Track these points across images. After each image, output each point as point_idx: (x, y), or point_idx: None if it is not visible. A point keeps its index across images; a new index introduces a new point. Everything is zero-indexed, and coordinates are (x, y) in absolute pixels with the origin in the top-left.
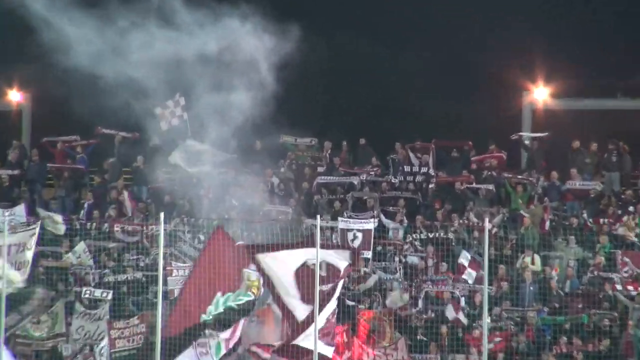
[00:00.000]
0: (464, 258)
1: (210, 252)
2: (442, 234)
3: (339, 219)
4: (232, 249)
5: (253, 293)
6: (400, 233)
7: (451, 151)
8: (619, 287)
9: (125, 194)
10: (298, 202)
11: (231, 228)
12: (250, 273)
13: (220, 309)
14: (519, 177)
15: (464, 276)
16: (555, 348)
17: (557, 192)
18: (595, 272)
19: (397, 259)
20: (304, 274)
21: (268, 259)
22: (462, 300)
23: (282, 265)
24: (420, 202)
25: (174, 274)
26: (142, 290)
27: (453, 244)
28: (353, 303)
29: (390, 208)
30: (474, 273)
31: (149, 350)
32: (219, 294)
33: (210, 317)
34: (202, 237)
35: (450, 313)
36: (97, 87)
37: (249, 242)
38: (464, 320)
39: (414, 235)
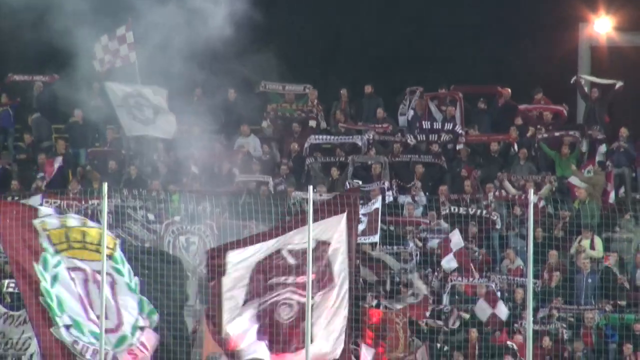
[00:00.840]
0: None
1: None
2: (472, 210)
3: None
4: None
5: None
6: (419, 209)
7: (477, 101)
8: None
9: (42, 155)
10: (284, 169)
11: (193, 203)
12: None
13: None
14: (557, 133)
15: (443, 262)
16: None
17: (626, 155)
18: None
19: (412, 243)
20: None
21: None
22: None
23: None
24: (445, 169)
25: None
26: None
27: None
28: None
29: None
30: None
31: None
32: None
33: None
34: (151, 217)
35: (482, 311)
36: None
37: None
38: (504, 313)
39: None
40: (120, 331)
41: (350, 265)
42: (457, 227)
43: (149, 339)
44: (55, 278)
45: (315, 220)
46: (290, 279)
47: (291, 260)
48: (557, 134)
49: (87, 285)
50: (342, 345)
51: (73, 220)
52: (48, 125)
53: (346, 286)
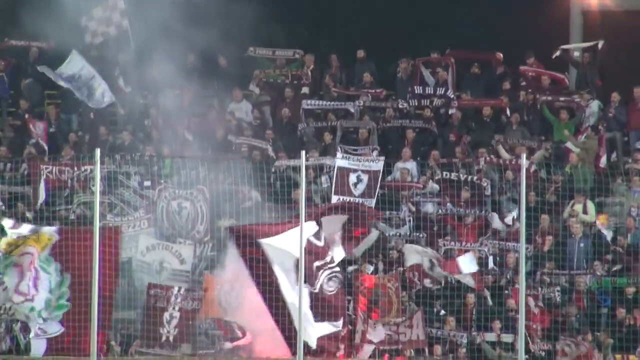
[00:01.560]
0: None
1: None
2: (464, 175)
3: (338, 154)
4: None
5: None
6: (411, 174)
7: (471, 66)
8: None
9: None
10: (276, 134)
11: (186, 168)
12: None
13: None
14: (562, 99)
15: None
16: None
17: (617, 119)
18: None
19: (405, 207)
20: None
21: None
22: (490, 260)
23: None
24: (436, 134)
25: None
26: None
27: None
28: (352, 268)
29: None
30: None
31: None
32: None
33: None
34: (146, 183)
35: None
36: None
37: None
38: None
39: (428, 176)
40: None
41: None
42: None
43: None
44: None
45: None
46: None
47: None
48: (562, 99)
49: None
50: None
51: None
52: (41, 90)
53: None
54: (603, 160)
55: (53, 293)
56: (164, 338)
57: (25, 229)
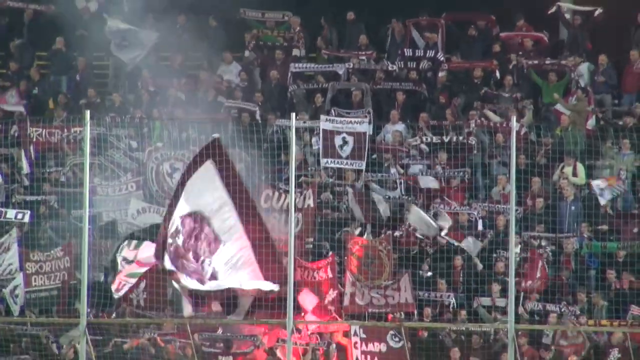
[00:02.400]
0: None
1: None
2: (454, 137)
3: (322, 117)
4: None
5: None
6: (401, 136)
7: (467, 29)
8: None
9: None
10: (267, 96)
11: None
12: None
13: None
14: (548, 62)
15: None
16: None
17: (606, 82)
18: None
19: (393, 170)
20: None
21: None
22: (480, 223)
23: None
24: (426, 96)
25: (99, 192)
26: (62, 213)
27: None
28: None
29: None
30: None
31: (73, 291)
32: None
33: None
34: (134, 144)
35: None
36: None
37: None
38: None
39: (417, 139)
40: None
41: None
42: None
43: None
44: None
45: None
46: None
47: None
48: (547, 62)
49: None
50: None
51: None
52: (31, 52)
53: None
54: (590, 122)
55: None
56: (134, 302)
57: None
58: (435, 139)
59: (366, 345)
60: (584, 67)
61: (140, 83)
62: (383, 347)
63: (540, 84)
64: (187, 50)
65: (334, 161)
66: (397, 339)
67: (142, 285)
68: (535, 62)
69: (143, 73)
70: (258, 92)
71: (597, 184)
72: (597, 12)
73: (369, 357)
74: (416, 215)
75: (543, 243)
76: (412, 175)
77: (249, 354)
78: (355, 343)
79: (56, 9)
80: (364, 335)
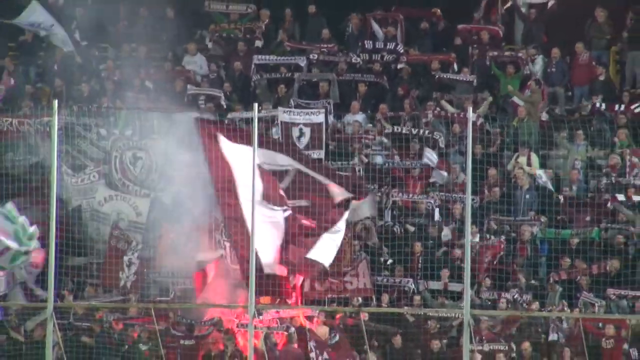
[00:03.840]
0: (430, 157)
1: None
2: (412, 127)
3: (279, 109)
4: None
5: None
6: (362, 127)
7: (420, 23)
8: (620, 197)
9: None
10: (231, 86)
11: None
12: None
13: None
14: (506, 53)
15: (432, 179)
16: (553, 276)
17: (559, 74)
18: (613, 178)
19: (356, 158)
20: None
21: None
22: (437, 213)
23: None
24: (386, 88)
25: (65, 181)
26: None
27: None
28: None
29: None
30: (444, 173)
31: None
32: None
33: None
34: (103, 132)
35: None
36: None
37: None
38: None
39: (377, 128)
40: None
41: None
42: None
43: (36, 257)
44: None
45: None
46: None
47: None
48: (506, 53)
49: None
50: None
51: None
52: (5, 43)
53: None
54: (544, 114)
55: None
56: (121, 283)
57: None
58: (398, 129)
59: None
60: (539, 60)
61: (106, 73)
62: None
63: (498, 76)
64: (151, 41)
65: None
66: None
67: (134, 268)
68: (495, 53)
69: (108, 62)
70: (225, 82)
71: (539, 174)
72: (550, 4)
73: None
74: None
75: (495, 231)
76: (375, 165)
77: (209, 336)
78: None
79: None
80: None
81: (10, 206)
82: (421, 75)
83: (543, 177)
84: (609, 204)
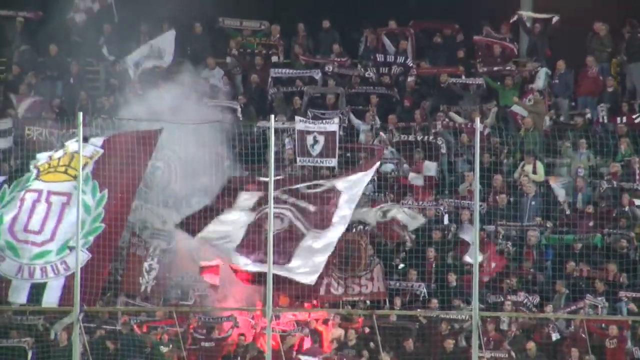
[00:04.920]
0: (430, 167)
1: None
2: (420, 136)
3: (296, 118)
4: None
5: None
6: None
7: (433, 36)
8: (638, 201)
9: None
10: (248, 99)
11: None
12: None
13: None
14: (495, 68)
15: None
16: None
17: (563, 86)
18: (614, 183)
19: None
20: None
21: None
22: (446, 218)
23: None
24: (397, 99)
25: None
26: None
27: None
28: None
29: (360, 107)
30: (432, 165)
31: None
32: None
33: None
34: None
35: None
36: None
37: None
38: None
39: (386, 136)
40: (43, 247)
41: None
42: (405, 155)
43: (74, 259)
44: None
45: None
46: (292, 200)
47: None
48: (495, 68)
49: (35, 206)
50: (316, 275)
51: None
52: (35, 58)
53: (340, 231)
54: (546, 124)
55: (89, 214)
56: (142, 288)
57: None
58: (405, 137)
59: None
60: (542, 72)
61: (130, 87)
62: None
63: (496, 88)
64: (173, 56)
65: (307, 160)
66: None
67: (154, 273)
68: (485, 69)
69: (132, 77)
70: (241, 95)
71: (554, 184)
72: (554, 20)
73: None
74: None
75: (502, 236)
76: (383, 173)
77: (229, 338)
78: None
79: (45, 15)
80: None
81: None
82: (431, 87)
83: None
84: (626, 208)
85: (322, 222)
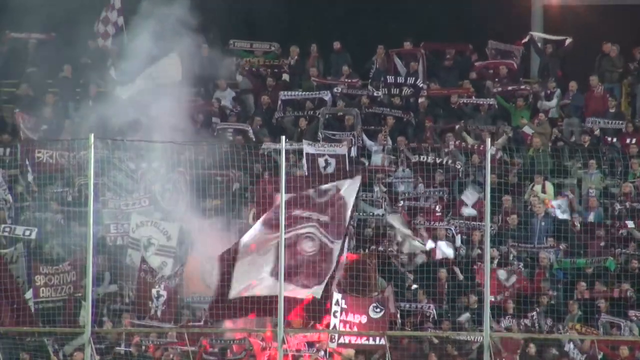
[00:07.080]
0: (470, 195)
1: None
2: (431, 158)
3: (304, 141)
4: None
5: None
6: (386, 157)
7: (444, 57)
8: (630, 224)
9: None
10: (257, 120)
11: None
12: None
13: None
14: (510, 87)
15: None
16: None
17: (574, 106)
18: (627, 204)
19: (376, 188)
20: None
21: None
22: (458, 239)
23: None
24: (409, 120)
25: (109, 205)
26: (69, 230)
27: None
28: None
29: (372, 127)
30: (474, 212)
31: (77, 303)
32: None
33: None
34: (132, 166)
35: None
36: None
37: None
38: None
39: (396, 157)
40: None
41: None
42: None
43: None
44: None
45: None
46: (314, 215)
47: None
48: (509, 87)
49: None
50: (322, 287)
51: None
52: (44, 79)
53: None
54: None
55: None
56: (152, 312)
57: None
58: (424, 158)
59: (346, 315)
60: (558, 93)
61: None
62: (364, 319)
63: (508, 108)
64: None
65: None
66: (378, 310)
67: (162, 299)
68: (499, 89)
69: (142, 99)
70: (257, 116)
71: (557, 204)
72: (567, 41)
73: (347, 326)
74: (398, 222)
75: (514, 257)
76: (396, 194)
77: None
78: (335, 312)
79: (57, 37)
80: (345, 307)
81: None
82: (441, 108)
83: (562, 205)
84: (620, 231)
85: (339, 229)
